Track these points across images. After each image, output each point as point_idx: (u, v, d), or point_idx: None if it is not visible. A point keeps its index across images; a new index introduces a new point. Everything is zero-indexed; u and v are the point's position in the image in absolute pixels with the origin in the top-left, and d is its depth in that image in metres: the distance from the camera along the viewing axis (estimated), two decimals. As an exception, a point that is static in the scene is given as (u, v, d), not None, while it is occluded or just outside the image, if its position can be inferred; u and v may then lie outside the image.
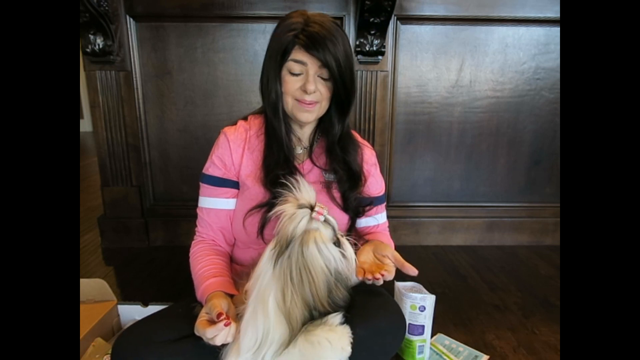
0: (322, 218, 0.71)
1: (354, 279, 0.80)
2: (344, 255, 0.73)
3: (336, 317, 0.72)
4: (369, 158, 1.02)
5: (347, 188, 0.95)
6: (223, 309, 0.74)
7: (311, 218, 0.70)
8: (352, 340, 0.73)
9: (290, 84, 0.87)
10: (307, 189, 0.73)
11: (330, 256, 0.70)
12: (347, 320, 0.74)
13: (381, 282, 0.82)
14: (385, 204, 1.08)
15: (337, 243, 0.74)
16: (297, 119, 0.92)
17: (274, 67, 0.87)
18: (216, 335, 0.70)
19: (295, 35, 0.83)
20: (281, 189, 0.88)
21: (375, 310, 0.81)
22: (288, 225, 0.69)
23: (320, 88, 0.87)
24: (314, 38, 0.82)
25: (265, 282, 0.70)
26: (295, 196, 0.72)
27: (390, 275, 0.83)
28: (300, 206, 0.71)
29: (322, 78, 0.87)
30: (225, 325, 0.70)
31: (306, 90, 0.86)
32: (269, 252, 0.72)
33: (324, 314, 0.72)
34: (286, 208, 0.71)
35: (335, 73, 0.85)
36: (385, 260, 0.87)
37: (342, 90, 0.89)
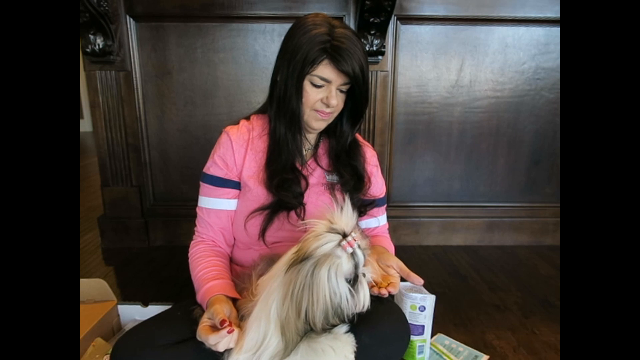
0: (350, 250, 0.67)
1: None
2: (353, 295, 0.69)
3: (341, 327, 0.72)
4: (370, 158, 1.02)
5: (352, 188, 0.95)
6: (225, 314, 0.74)
7: (339, 245, 0.67)
8: (355, 348, 0.72)
9: (312, 96, 0.86)
10: (348, 215, 0.69)
11: (337, 291, 0.67)
12: (351, 328, 0.73)
13: (386, 295, 0.82)
14: (385, 205, 1.08)
15: (355, 280, 0.70)
16: (311, 126, 0.92)
17: (296, 77, 0.84)
18: (219, 342, 0.70)
19: (323, 50, 0.81)
20: (286, 192, 0.89)
21: (380, 317, 0.80)
22: (311, 243, 0.67)
23: (338, 100, 0.88)
24: (344, 55, 0.81)
25: (274, 285, 0.70)
26: (333, 218, 0.69)
27: (395, 290, 0.83)
28: (332, 230, 0.68)
29: (341, 90, 0.88)
30: (229, 332, 0.69)
31: (329, 105, 0.86)
32: (288, 256, 0.70)
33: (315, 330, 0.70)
34: (318, 226, 0.68)
35: (361, 87, 0.86)
36: (390, 270, 0.87)
37: (362, 102, 0.90)
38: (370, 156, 1.03)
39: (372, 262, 0.87)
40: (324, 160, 0.98)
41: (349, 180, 0.95)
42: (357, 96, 0.89)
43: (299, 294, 0.66)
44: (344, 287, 0.68)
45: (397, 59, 1.81)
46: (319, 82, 0.85)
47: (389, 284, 0.83)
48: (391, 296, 0.87)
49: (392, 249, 1.01)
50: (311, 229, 0.69)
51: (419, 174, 1.96)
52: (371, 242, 1.00)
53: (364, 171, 0.98)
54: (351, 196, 0.95)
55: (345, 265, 0.68)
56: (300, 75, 0.84)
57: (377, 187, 1.02)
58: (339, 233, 0.68)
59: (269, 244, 0.92)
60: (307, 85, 0.86)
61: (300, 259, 0.67)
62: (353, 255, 0.68)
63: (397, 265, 0.87)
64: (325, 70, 0.83)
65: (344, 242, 0.67)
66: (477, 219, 2.01)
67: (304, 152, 0.97)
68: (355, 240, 0.68)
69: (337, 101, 0.87)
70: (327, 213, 0.70)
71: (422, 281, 0.85)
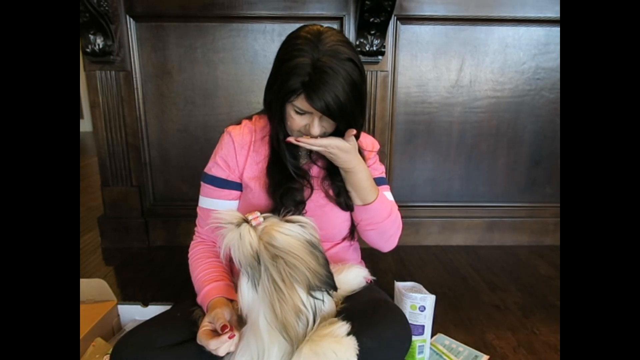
0: (261, 219, 0.72)
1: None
2: (302, 226, 0.74)
3: (342, 328, 0.72)
4: (366, 146, 0.99)
5: (341, 183, 0.94)
6: (226, 319, 0.74)
7: (253, 227, 0.71)
8: (357, 352, 0.72)
9: (297, 121, 0.83)
10: (226, 211, 0.75)
11: (294, 232, 0.72)
12: (353, 330, 0.73)
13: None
14: (387, 186, 1.04)
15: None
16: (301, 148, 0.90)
17: (279, 102, 0.83)
18: (219, 347, 0.70)
19: (302, 83, 0.77)
20: (289, 201, 0.88)
21: (382, 320, 0.80)
22: (244, 246, 0.69)
23: (325, 125, 0.84)
24: (319, 91, 0.76)
25: (253, 309, 0.71)
26: (227, 221, 0.72)
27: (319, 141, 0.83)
28: (238, 224, 0.71)
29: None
30: (230, 337, 0.70)
31: (310, 134, 0.84)
32: (245, 285, 0.71)
33: (326, 286, 0.72)
34: (230, 236, 0.70)
35: (339, 121, 0.82)
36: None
37: (349, 127, 0.84)
38: (370, 143, 1.01)
39: None
40: (321, 161, 0.97)
41: (342, 188, 0.93)
42: (342, 126, 0.84)
43: (291, 266, 0.69)
44: (294, 226, 0.72)
45: (397, 59, 1.81)
46: (300, 111, 0.82)
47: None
48: (390, 292, 0.86)
49: (387, 205, 0.96)
50: (230, 248, 0.70)
51: (419, 174, 1.96)
52: None
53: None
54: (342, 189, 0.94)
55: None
56: (282, 101, 0.82)
57: (373, 171, 0.98)
58: (243, 222, 0.72)
59: None
60: (290, 110, 0.83)
61: (256, 263, 0.69)
62: (267, 218, 0.74)
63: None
64: (303, 102, 0.80)
65: (253, 223, 0.71)
66: (477, 219, 2.01)
67: (302, 158, 0.96)
68: (254, 213, 0.73)
69: (319, 129, 0.83)
70: (220, 228, 0.72)
71: (354, 131, 0.83)
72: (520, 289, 1.58)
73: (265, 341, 0.70)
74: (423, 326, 1.08)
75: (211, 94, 1.83)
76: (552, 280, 1.67)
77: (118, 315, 1.24)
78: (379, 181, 1.00)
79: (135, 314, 1.25)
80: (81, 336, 1.06)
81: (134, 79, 1.79)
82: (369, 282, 0.98)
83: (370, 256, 1.17)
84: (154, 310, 1.19)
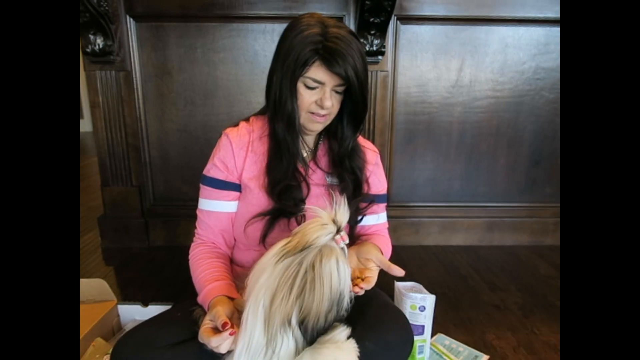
0: (342, 244, 0.69)
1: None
2: (352, 283, 0.72)
3: (342, 333, 0.71)
4: (370, 160, 1.01)
5: (350, 195, 0.94)
6: (227, 316, 0.74)
7: (333, 238, 0.69)
8: (359, 355, 0.71)
9: (306, 98, 0.85)
10: (343, 211, 0.71)
11: (344, 278, 0.69)
12: (355, 334, 0.72)
13: (360, 293, 0.77)
14: (386, 204, 1.06)
15: None
16: (308, 129, 0.91)
17: (289, 79, 0.83)
18: (221, 344, 0.70)
19: (314, 51, 0.79)
20: (287, 201, 0.88)
21: (384, 323, 0.80)
22: (313, 232, 0.67)
23: (333, 101, 0.86)
24: (336, 55, 0.79)
25: (263, 279, 0.68)
26: (333, 212, 0.70)
27: (369, 285, 0.79)
28: (334, 222, 0.69)
29: (336, 91, 0.86)
30: (230, 334, 0.69)
31: (323, 106, 0.84)
32: (278, 248, 0.69)
33: (304, 330, 0.69)
34: (322, 215, 0.69)
35: (356, 89, 0.84)
36: (368, 264, 0.83)
37: (361, 103, 0.88)
38: (371, 158, 1.01)
39: (351, 255, 0.85)
40: (324, 161, 0.97)
41: (349, 184, 0.94)
42: (354, 97, 0.86)
43: (311, 286, 0.66)
44: (348, 275, 0.69)
45: (397, 59, 1.81)
46: (312, 84, 0.83)
47: (364, 279, 0.79)
48: (389, 292, 0.86)
49: (388, 248, 1.00)
50: (315, 218, 0.69)
51: (419, 174, 1.96)
52: (367, 239, 0.99)
53: (364, 178, 0.97)
54: (349, 200, 0.94)
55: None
56: (293, 77, 0.83)
57: (377, 184, 1.01)
58: (336, 227, 0.69)
59: (269, 247, 0.92)
60: (300, 87, 0.84)
61: (299, 249, 0.67)
62: (343, 249, 0.70)
63: (377, 258, 0.83)
64: (317, 72, 0.81)
65: (337, 236, 0.69)
66: (477, 219, 2.01)
67: (305, 154, 0.96)
68: (345, 237, 0.70)
69: (331, 102, 0.85)
70: (327, 206, 0.71)
71: (402, 272, 0.80)
72: (520, 289, 1.58)
73: (258, 322, 0.67)
74: (423, 326, 1.08)
75: (211, 94, 1.83)
76: (552, 280, 1.67)
77: (118, 315, 1.24)
78: (380, 199, 1.02)
79: (135, 314, 1.25)
80: (81, 336, 1.06)
81: (134, 79, 1.79)
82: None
83: (370, 256, 1.16)
84: (154, 310, 1.19)
